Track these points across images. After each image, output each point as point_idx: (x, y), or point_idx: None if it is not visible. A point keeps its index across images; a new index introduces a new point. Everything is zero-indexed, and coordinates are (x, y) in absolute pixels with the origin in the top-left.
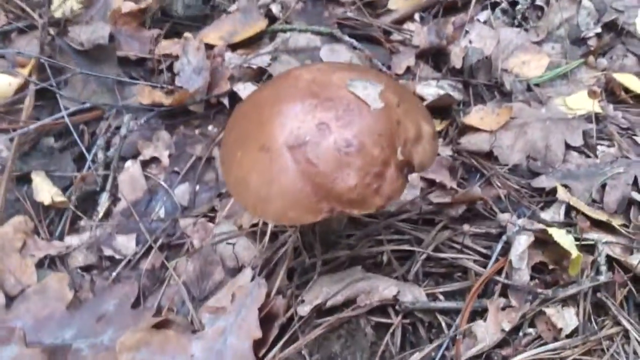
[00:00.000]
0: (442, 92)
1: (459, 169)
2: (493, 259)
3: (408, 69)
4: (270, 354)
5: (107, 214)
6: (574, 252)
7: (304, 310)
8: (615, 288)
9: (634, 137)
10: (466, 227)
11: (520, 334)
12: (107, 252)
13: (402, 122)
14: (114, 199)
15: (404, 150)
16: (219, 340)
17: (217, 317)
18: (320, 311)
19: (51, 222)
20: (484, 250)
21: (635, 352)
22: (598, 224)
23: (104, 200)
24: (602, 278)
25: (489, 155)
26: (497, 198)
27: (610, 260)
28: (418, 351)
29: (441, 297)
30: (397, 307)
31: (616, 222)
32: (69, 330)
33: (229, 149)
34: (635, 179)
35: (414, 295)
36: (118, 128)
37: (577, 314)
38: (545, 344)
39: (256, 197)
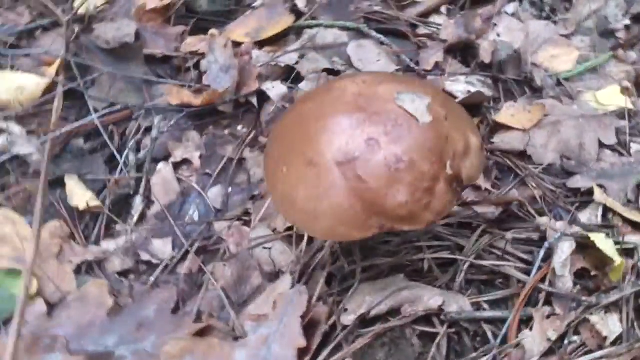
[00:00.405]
0: (472, 88)
1: (493, 169)
2: (536, 266)
3: (436, 64)
4: None
5: (142, 217)
6: (617, 259)
7: (347, 319)
8: None
9: None
10: (509, 235)
11: (566, 342)
12: (144, 256)
13: (450, 135)
14: (148, 202)
15: (453, 165)
16: (262, 348)
17: (259, 324)
18: (364, 320)
19: (86, 227)
20: (525, 256)
21: None
22: (634, 225)
23: (138, 204)
24: None
25: (523, 155)
26: (533, 199)
27: None
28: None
29: (485, 306)
30: (442, 317)
31: None
32: (111, 337)
33: (273, 163)
34: None
35: (459, 305)
36: (148, 129)
37: (621, 321)
38: (590, 352)
39: (304, 213)
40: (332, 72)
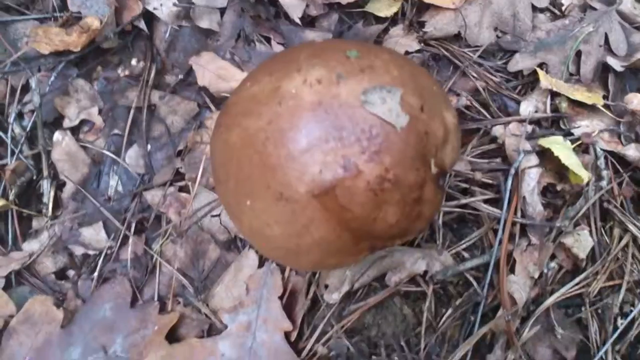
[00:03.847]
0: None
1: (429, 61)
2: (506, 198)
3: None
4: (308, 343)
5: (57, 203)
6: (584, 175)
7: (332, 298)
8: (615, 192)
9: None
10: (478, 175)
11: (545, 270)
12: (78, 250)
13: (429, 129)
14: (58, 183)
15: (436, 161)
16: (246, 337)
17: (236, 313)
18: (349, 293)
19: None
20: (490, 181)
21: None
22: (580, 104)
23: (47, 188)
24: (605, 184)
25: (457, 38)
26: (475, 91)
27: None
28: (451, 308)
29: (466, 254)
30: (427, 278)
31: (596, 98)
32: (74, 350)
33: (230, 193)
34: (606, 37)
35: (441, 263)
36: (25, 88)
37: (591, 233)
38: (568, 273)
39: (284, 250)
40: None
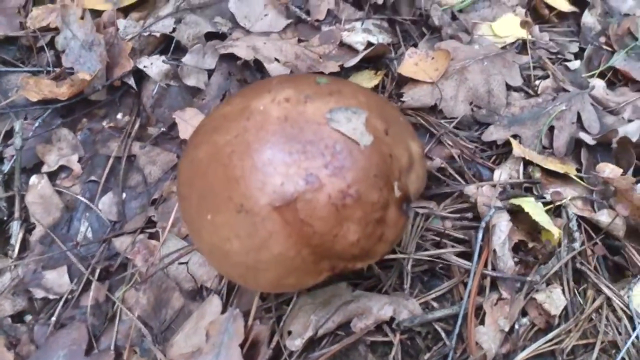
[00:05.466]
0: (371, 37)
1: None
2: (476, 251)
3: (328, 12)
4: None
5: (24, 245)
6: (553, 230)
7: (294, 344)
8: (587, 253)
9: (565, 63)
10: (448, 223)
11: (516, 326)
12: (38, 293)
13: (393, 152)
14: (27, 226)
15: (400, 185)
16: None
17: None
18: (312, 340)
19: None
20: (461, 236)
21: (620, 319)
22: (554, 174)
23: (15, 230)
24: (577, 245)
25: (434, 109)
26: (450, 158)
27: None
28: None
29: (434, 304)
30: (394, 326)
31: (569, 168)
32: None
33: (193, 208)
34: (579, 115)
35: (409, 310)
36: (9, 133)
37: (564, 292)
38: (540, 330)
39: (242, 266)
40: (217, 36)
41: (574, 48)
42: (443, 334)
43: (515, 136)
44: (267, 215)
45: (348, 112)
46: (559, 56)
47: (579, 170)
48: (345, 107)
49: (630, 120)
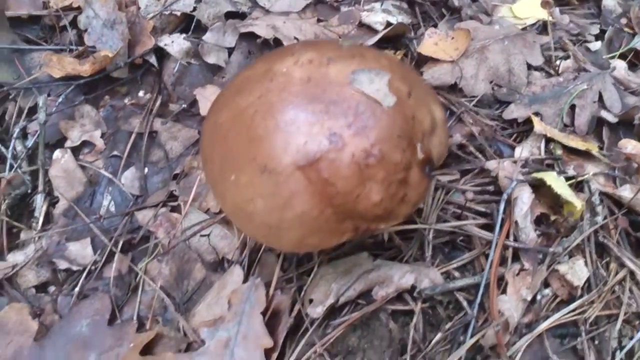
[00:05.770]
0: (390, 18)
1: None
2: (498, 222)
3: None
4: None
5: (48, 218)
6: (577, 203)
7: (315, 312)
8: (610, 227)
9: (586, 44)
10: (469, 195)
11: (538, 296)
12: (62, 264)
13: (416, 114)
14: (51, 199)
15: (423, 147)
16: (224, 354)
17: (216, 328)
18: (333, 308)
19: None
20: (482, 209)
21: None
22: (575, 152)
23: (39, 203)
24: (599, 219)
25: (454, 88)
26: (471, 135)
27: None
28: (440, 332)
29: (456, 273)
30: (415, 294)
31: (591, 146)
32: None
33: (216, 170)
34: (600, 95)
35: (430, 279)
36: (32, 110)
37: (586, 264)
38: (563, 302)
39: (265, 226)
40: (237, 15)
41: (595, 30)
42: (465, 303)
43: (536, 114)
44: (291, 175)
45: (371, 74)
46: (580, 37)
47: (600, 148)
48: (368, 68)
49: None
